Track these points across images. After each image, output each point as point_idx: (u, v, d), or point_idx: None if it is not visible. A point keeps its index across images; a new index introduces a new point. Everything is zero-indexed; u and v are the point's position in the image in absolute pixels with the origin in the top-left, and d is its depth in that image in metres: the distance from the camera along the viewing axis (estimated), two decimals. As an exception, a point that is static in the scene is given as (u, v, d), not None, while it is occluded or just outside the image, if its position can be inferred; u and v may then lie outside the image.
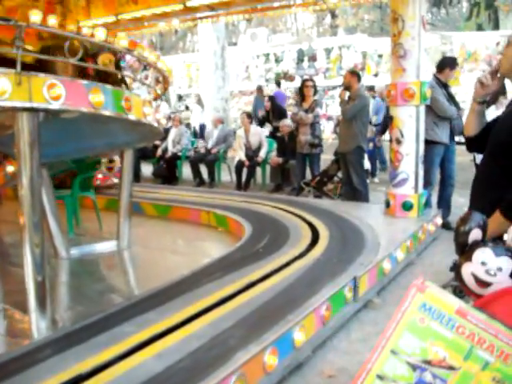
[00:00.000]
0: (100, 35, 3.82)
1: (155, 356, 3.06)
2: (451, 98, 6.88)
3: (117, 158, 8.61)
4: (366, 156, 8.45)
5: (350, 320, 4.26)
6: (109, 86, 4.06)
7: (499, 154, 2.49)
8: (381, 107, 11.41)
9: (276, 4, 9.37)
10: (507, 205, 2.34)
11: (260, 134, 10.89)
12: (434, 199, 7.23)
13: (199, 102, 15.44)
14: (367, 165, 9.30)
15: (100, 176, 8.59)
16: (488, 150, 2.64)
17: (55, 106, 3.60)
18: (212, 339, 3.23)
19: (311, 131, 8.77)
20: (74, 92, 3.73)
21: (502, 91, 7.76)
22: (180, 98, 21.82)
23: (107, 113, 4.00)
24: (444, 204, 7.06)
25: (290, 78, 18.24)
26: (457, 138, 7.43)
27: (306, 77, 15.23)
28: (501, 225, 2.29)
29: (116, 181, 8.46)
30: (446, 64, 6.88)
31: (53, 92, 3.55)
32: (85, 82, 3.89)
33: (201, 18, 9.98)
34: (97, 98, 3.83)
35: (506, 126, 2.51)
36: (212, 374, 2.80)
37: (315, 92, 9.01)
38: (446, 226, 6.75)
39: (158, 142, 11.54)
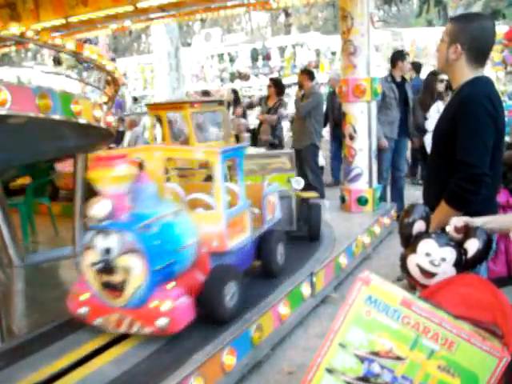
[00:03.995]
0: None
1: (112, 361, 3.04)
2: (403, 94, 6.98)
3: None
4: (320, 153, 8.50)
5: (308, 316, 4.30)
6: (57, 90, 3.98)
7: (441, 145, 2.59)
8: None
9: (229, 3, 9.36)
10: (449, 194, 2.42)
11: (217, 133, 10.82)
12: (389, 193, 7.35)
13: None
14: (322, 162, 9.37)
15: None
16: (433, 145, 2.75)
17: (1, 111, 3.51)
18: (169, 341, 3.22)
19: (272, 131, 8.74)
20: (20, 97, 3.63)
21: (450, 87, 7.93)
22: (135, 100, 21.57)
23: (56, 117, 3.92)
24: (397, 196, 7.19)
25: (245, 77, 18.26)
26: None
27: (260, 76, 15.27)
28: (447, 214, 2.37)
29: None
30: (396, 58, 6.97)
31: (-2, 97, 3.46)
32: (32, 86, 3.81)
33: (152, 19, 9.89)
34: (44, 103, 3.75)
35: (444, 118, 2.64)
36: (170, 376, 2.80)
37: (280, 92, 8.93)
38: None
39: (112, 145, 11.32)
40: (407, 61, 7.18)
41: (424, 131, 8.01)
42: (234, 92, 12.87)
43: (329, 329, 1.69)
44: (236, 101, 11.89)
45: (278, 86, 8.79)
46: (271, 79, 9.40)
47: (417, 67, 10.18)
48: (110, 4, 8.33)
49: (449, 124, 2.52)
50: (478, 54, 2.54)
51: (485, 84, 2.54)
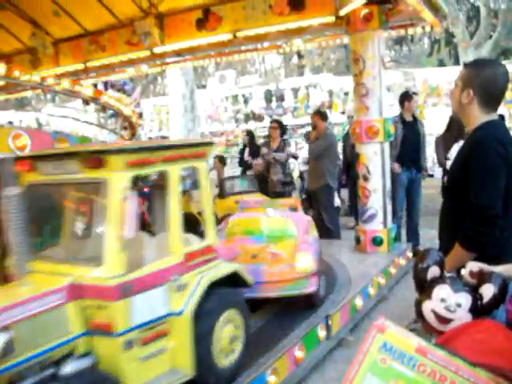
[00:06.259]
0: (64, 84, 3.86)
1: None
2: (415, 133, 7.09)
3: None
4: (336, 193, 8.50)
5: (324, 359, 4.23)
6: (74, 135, 4.08)
7: (453, 188, 2.62)
8: None
9: (242, 48, 9.56)
10: (462, 236, 2.44)
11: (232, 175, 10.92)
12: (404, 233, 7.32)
13: None
14: (338, 202, 9.35)
15: None
16: (446, 188, 2.77)
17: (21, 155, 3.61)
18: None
19: (282, 170, 8.74)
20: (39, 142, 3.74)
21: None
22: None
23: (73, 161, 4.00)
24: (412, 232, 7.18)
25: (259, 118, 18.50)
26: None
27: (274, 117, 15.41)
28: (461, 256, 2.38)
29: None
30: (403, 99, 7.23)
31: (18, 142, 3.57)
32: (51, 130, 3.91)
33: (167, 64, 10.11)
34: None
35: (457, 161, 2.67)
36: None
37: (284, 132, 9.03)
38: (416, 254, 6.81)
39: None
40: (414, 100, 7.32)
41: (445, 172, 8.03)
42: (249, 133, 12.93)
43: (345, 374, 1.67)
44: (251, 142, 11.83)
45: (282, 128, 8.89)
46: (276, 121, 9.43)
47: None
48: (127, 49, 8.57)
49: (461, 167, 2.55)
50: (490, 99, 2.58)
51: (496, 127, 2.58)
